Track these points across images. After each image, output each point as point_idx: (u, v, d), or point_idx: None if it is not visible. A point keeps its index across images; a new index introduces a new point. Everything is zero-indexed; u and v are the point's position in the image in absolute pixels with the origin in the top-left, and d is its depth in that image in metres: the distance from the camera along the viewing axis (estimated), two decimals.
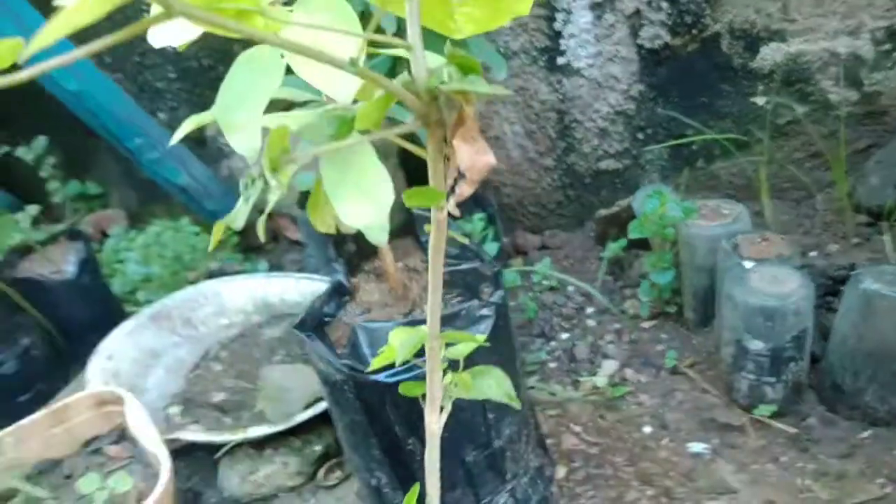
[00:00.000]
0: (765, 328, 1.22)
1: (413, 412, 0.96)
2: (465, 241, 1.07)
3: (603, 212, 1.85)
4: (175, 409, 1.42)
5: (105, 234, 2.41)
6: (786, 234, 1.76)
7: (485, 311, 0.95)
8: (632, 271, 1.80)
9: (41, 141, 2.56)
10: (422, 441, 1.00)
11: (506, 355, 1.00)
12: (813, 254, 1.64)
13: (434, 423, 0.49)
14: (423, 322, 0.94)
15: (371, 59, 1.56)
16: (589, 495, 1.22)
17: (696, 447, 1.31)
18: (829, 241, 1.66)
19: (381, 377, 0.93)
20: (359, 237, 0.91)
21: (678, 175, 1.88)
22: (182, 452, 1.41)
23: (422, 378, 0.94)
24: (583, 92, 1.83)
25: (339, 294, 1.08)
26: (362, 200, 0.92)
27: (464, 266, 1.08)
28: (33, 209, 2.18)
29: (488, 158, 0.38)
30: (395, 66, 1.63)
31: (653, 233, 1.45)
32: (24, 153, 2.54)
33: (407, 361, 0.95)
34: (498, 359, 0.99)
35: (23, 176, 2.73)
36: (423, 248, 1.13)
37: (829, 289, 1.41)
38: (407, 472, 1.02)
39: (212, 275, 2.04)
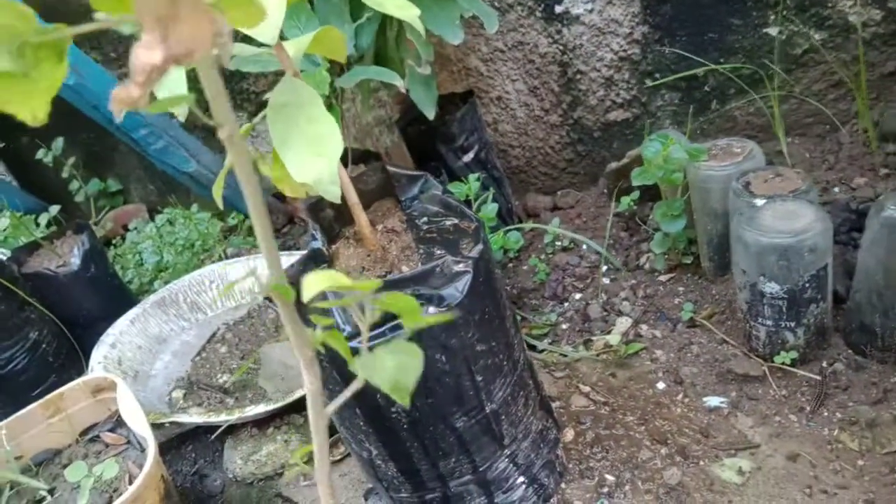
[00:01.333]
0: (779, 268, 1.13)
1: None
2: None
3: (613, 165, 1.76)
4: (178, 393, 1.41)
5: (127, 229, 2.43)
6: (810, 171, 1.64)
7: (461, 267, 0.89)
8: (647, 225, 1.71)
9: (59, 143, 2.60)
10: (405, 411, 0.95)
11: (491, 313, 0.95)
12: (836, 189, 1.52)
13: (309, 382, 0.43)
14: (396, 283, 0.89)
15: (355, 21, 1.50)
16: (598, 457, 1.15)
17: (713, 401, 1.23)
18: (855, 174, 1.54)
19: (354, 343, 0.88)
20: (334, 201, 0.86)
21: (692, 120, 1.78)
22: (188, 436, 1.40)
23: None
24: (584, 40, 1.74)
25: (316, 262, 1.04)
26: (310, 153, 0.85)
27: (445, 223, 1.03)
28: (54, 209, 2.22)
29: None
30: (385, 29, 1.58)
31: (659, 179, 1.37)
32: (44, 155, 2.58)
33: (380, 325, 0.90)
34: (481, 316, 0.93)
35: (46, 179, 2.79)
36: (402, 208, 1.08)
37: (854, 223, 1.31)
38: (395, 440, 0.98)
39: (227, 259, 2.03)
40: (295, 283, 0.93)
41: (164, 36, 0.32)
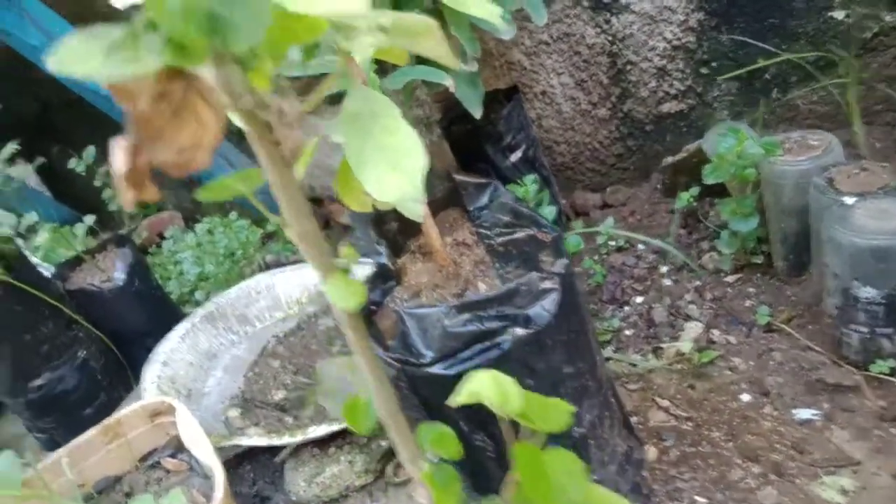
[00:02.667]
0: (877, 272, 1.05)
1: (479, 406, 0.86)
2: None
3: (669, 159, 1.68)
4: (234, 412, 1.36)
5: (163, 237, 2.40)
6: (885, 162, 1.55)
7: (548, 284, 0.83)
8: (707, 222, 1.64)
9: (90, 151, 2.56)
10: (492, 437, 0.90)
11: (576, 331, 0.88)
12: None
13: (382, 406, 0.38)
14: (478, 304, 0.83)
15: None
16: (686, 477, 1.09)
17: (805, 414, 1.15)
18: None
19: (437, 369, 0.82)
20: (400, 213, 0.80)
21: (751, 110, 1.69)
22: (246, 455, 1.36)
23: (483, 367, 0.83)
24: (634, 29, 1.66)
25: (384, 278, 0.98)
26: (390, 169, 0.77)
27: (518, 234, 0.96)
28: (89, 219, 2.18)
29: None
30: None
31: (730, 176, 1.29)
32: (76, 165, 2.55)
33: (465, 349, 0.84)
34: (568, 337, 0.87)
35: (79, 188, 2.76)
36: (471, 219, 1.02)
37: None
38: (479, 469, 0.92)
39: (267, 267, 1.99)
40: (367, 304, 0.87)
41: (147, 137, 0.26)
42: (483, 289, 0.92)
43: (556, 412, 0.41)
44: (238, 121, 0.29)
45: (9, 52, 2.12)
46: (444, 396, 0.85)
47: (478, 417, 0.87)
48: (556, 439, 0.92)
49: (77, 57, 0.23)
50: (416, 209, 0.77)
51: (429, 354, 0.83)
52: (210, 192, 0.33)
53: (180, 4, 0.23)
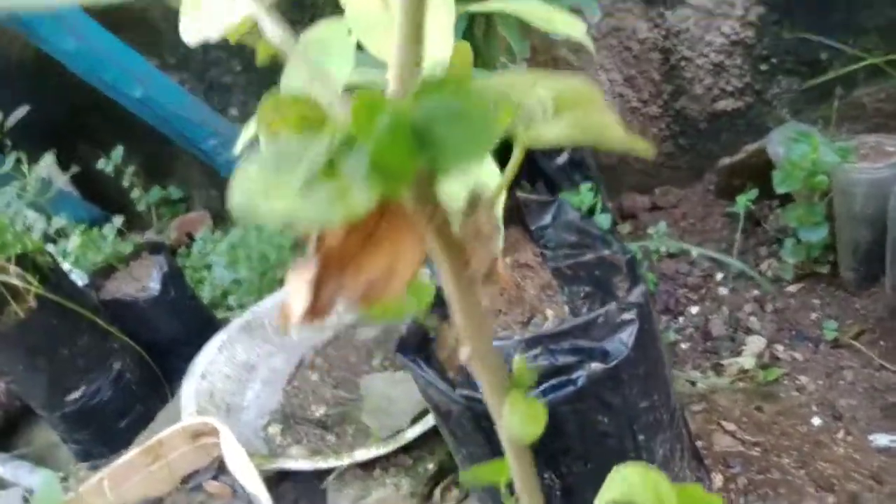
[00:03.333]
0: None
1: (550, 443, 0.80)
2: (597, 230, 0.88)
3: (726, 160, 1.60)
4: (275, 429, 1.32)
5: (191, 238, 2.36)
6: None
7: (626, 316, 0.76)
8: (767, 226, 1.55)
9: (119, 150, 2.54)
10: (561, 476, 0.84)
11: (653, 364, 0.82)
12: None
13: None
14: (551, 337, 0.77)
15: None
16: None
17: (882, 440, 1.08)
18: None
19: None
20: None
21: (812, 109, 1.60)
22: (288, 474, 1.31)
23: (555, 405, 0.77)
24: (690, 24, 1.57)
25: (443, 301, 0.92)
26: (456, 181, 0.70)
27: (587, 256, 0.89)
28: (118, 220, 2.15)
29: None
30: (472, 27, 1.44)
31: (801, 183, 1.21)
32: (104, 164, 2.53)
33: (536, 385, 0.78)
34: (646, 369, 0.81)
35: (107, 188, 2.73)
36: (533, 238, 0.95)
37: None
38: None
39: None
40: (425, 330, 0.80)
41: (335, 268, 0.20)
42: (550, 315, 0.86)
43: None
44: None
45: (39, 54, 2.09)
46: None
47: (546, 455, 0.81)
48: None
49: (265, 192, 0.18)
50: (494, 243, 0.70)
51: None
52: (378, 315, 0.27)
53: (389, 123, 0.17)
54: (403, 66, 0.22)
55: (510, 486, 0.37)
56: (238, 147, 0.78)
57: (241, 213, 0.18)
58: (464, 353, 0.28)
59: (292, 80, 0.59)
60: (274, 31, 0.24)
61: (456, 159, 0.19)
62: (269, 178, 0.18)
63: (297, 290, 0.20)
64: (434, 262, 0.25)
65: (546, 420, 0.79)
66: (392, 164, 0.18)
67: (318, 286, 0.20)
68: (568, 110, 0.29)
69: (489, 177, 0.73)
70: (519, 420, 0.28)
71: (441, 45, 0.57)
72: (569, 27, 0.65)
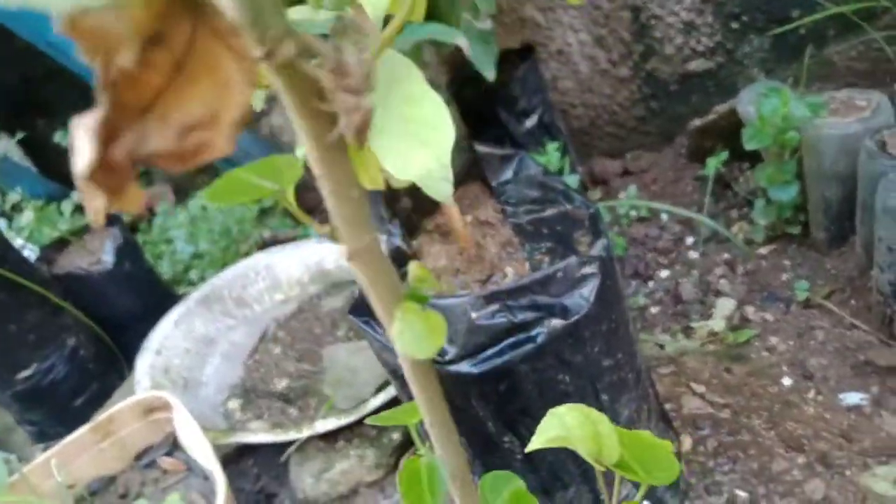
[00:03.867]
0: None
1: (508, 404, 0.77)
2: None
3: (697, 122, 1.57)
4: (235, 403, 1.27)
5: (152, 213, 2.29)
6: None
7: (587, 269, 0.73)
8: (737, 188, 1.53)
9: None
10: (521, 439, 0.80)
11: (616, 320, 0.78)
12: None
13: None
14: (508, 293, 0.73)
15: None
16: (725, 469, 1.00)
17: (852, 398, 1.07)
18: None
19: (463, 367, 0.73)
20: (414, 189, 0.69)
21: (783, 68, 1.57)
22: (249, 449, 1.27)
23: (514, 364, 0.74)
24: None
25: (398, 262, 0.88)
26: (414, 144, 0.65)
27: (549, 211, 0.86)
28: (76, 196, 2.07)
29: None
30: None
31: (772, 140, 1.18)
32: (61, 138, 2.43)
33: (494, 343, 0.75)
34: (608, 326, 0.77)
35: (65, 162, 2.64)
36: (494, 194, 0.91)
37: None
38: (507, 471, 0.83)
39: (265, 244, 1.89)
40: None
41: (132, 110, 0.15)
42: (511, 273, 0.82)
43: (661, 458, 0.31)
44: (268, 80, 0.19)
45: None
46: (470, 397, 0.75)
47: (505, 417, 0.78)
48: None
49: None
50: (444, 189, 0.66)
51: (452, 351, 0.74)
52: (222, 195, 0.22)
53: None
54: None
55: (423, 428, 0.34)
56: None
57: None
58: (343, 253, 0.23)
59: None
60: None
61: None
62: None
63: (81, 140, 0.15)
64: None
65: (505, 381, 0.74)
66: None
67: (110, 134, 0.15)
68: None
69: (442, 128, 0.68)
70: (412, 335, 0.24)
71: None
72: None
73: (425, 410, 0.29)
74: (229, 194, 0.23)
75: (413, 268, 0.27)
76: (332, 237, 0.23)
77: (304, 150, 0.20)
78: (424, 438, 0.33)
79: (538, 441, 0.34)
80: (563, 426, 0.33)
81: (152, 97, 0.15)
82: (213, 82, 0.15)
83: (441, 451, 0.32)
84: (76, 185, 0.16)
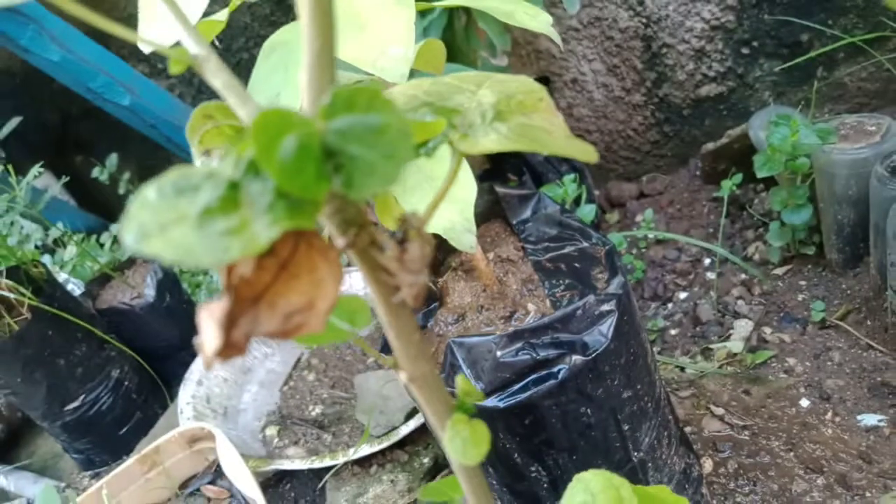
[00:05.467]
0: None
1: (533, 437, 0.81)
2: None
3: (710, 145, 1.61)
4: (272, 430, 1.33)
5: None
6: None
7: (605, 307, 0.78)
8: (752, 210, 1.56)
9: (112, 159, 2.55)
10: (547, 469, 0.85)
11: (635, 353, 0.83)
12: None
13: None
14: (532, 331, 0.78)
15: (423, 17, 1.37)
16: (745, 491, 1.04)
17: (870, 419, 1.09)
18: None
19: (490, 402, 0.78)
20: None
21: (795, 91, 1.60)
22: (287, 474, 1.33)
23: (538, 398, 0.78)
24: (670, 10, 1.57)
25: (426, 300, 0.93)
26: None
27: (567, 249, 0.91)
28: (115, 228, 2.17)
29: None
30: (452, 21, 1.44)
31: (783, 166, 1.22)
32: (99, 173, 2.54)
33: (518, 380, 0.80)
34: (627, 359, 0.82)
35: (103, 196, 2.75)
36: (515, 232, 0.96)
37: None
38: (534, 500, 0.87)
39: None
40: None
41: (247, 302, 0.20)
42: (532, 309, 0.87)
43: None
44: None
45: (26, 66, 2.09)
46: (497, 430, 0.80)
47: (531, 449, 0.83)
48: (614, 467, 0.87)
49: (160, 225, 0.17)
50: (468, 240, 0.72)
51: (479, 386, 0.79)
52: (309, 340, 0.27)
53: (296, 147, 0.17)
54: (314, 80, 0.21)
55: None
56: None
57: (132, 250, 0.17)
58: (402, 377, 0.29)
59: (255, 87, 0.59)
60: (198, 51, 0.24)
61: (372, 179, 0.19)
62: (166, 206, 0.18)
63: (208, 327, 0.20)
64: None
65: (529, 415, 0.79)
66: (300, 192, 0.18)
67: (231, 322, 0.20)
68: (510, 116, 0.29)
69: (465, 186, 0.73)
70: (461, 444, 0.29)
71: (400, 39, 0.58)
72: (530, 19, 0.66)
73: (469, 494, 0.34)
74: (313, 339, 0.28)
75: (460, 383, 0.32)
76: (395, 366, 0.29)
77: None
78: None
79: None
80: (588, 492, 0.37)
81: (262, 290, 0.20)
82: (310, 279, 0.20)
83: None
84: (201, 352, 0.22)
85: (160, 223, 0.17)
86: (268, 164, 0.17)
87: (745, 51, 1.58)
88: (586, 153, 0.25)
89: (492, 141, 0.24)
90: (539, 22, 0.70)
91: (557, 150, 0.28)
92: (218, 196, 0.18)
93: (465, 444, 0.28)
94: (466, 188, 0.66)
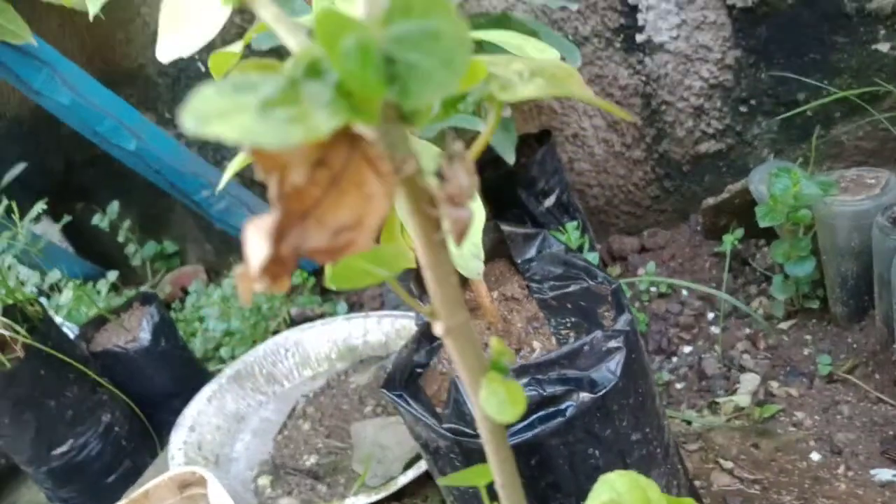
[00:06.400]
0: None
1: (540, 479, 0.79)
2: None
3: (711, 200, 1.62)
4: (265, 480, 1.29)
5: (186, 292, 2.36)
6: None
7: (613, 343, 0.76)
8: (755, 264, 1.56)
9: (114, 206, 2.56)
10: None
11: (644, 393, 0.81)
12: None
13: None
14: (538, 367, 0.77)
15: None
16: None
17: (884, 474, 1.06)
18: None
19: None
20: None
21: (793, 148, 1.63)
22: None
23: (544, 437, 0.76)
24: (669, 69, 1.62)
25: (430, 338, 0.92)
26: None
27: (573, 287, 0.90)
28: (112, 275, 2.16)
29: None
30: None
31: (784, 218, 1.22)
32: (99, 220, 2.55)
33: (524, 417, 0.77)
34: (636, 399, 0.80)
35: (102, 243, 2.75)
36: (519, 272, 0.96)
37: None
38: None
39: (293, 321, 1.94)
40: (412, 367, 0.79)
41: (298, 215, 0.21)
42: (538, 348, 0.85)
43: None
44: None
45: (36, 111, 2.13)
46: None
47: (537, 492, 0.79)
48: None
49: (221, 113, 0.17)
50: (476, 267, 0.71)
51: None
52: (343, 280, 0.27)
53: (357, 44, 0.17)
54: None
55: (491, 491, 0.37)
56: (222, 184, 0.78)
57: (193, 132, 0.17)
58: (438, 328, 0.27)
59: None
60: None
61: (428, 87, 0.19)
62: (226, 98, 0.18)
63: (255, 240, 0.20)
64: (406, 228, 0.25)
65: (536, 455, 0.77)
66: (360, 87, 0.18)
67: (280, 235, 0.20)
68: (551, 81, 0.30)
69: (475, 211, 0.73)
70: (497, 403, 0.27)
71: None
72: (540, 53, 0.68)
73: (497, 471, 0.33)
74: (347, 280, 0.27)
75: (494, 343, 0.31)
76: (432, 315, 0.28)
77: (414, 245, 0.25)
78: (492, 498, 0.37)
79: None
80: (615, 490, 0.35)
81: (312, 205, 0.20)
82: (360, 195, 0.20)
83: None
84: (238, 276, 0.21)
85: (220, 110, 0.17)
86: (331, 54, 0.18)
87: (743, 109, 1.62)
88: (621, 112, 0.25)
89: (530, 90, 0.24)
90: (548, 58, 0.71)
91: (593, 102, 0.28)
92: (279, 89, 0.18)
93: (500, 402, 0.27)
94: (475, 214, 0.66)
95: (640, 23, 1.58)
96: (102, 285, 2.16)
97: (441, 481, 0.46)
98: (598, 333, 0.76)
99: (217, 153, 2.19)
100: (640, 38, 1.61)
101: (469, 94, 0.27)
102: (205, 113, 0.17)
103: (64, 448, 1.37)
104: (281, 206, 0.19)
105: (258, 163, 0.19)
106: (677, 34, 1.57)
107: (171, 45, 0.39)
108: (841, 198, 1.22)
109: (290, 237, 0.19)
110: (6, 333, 1.22)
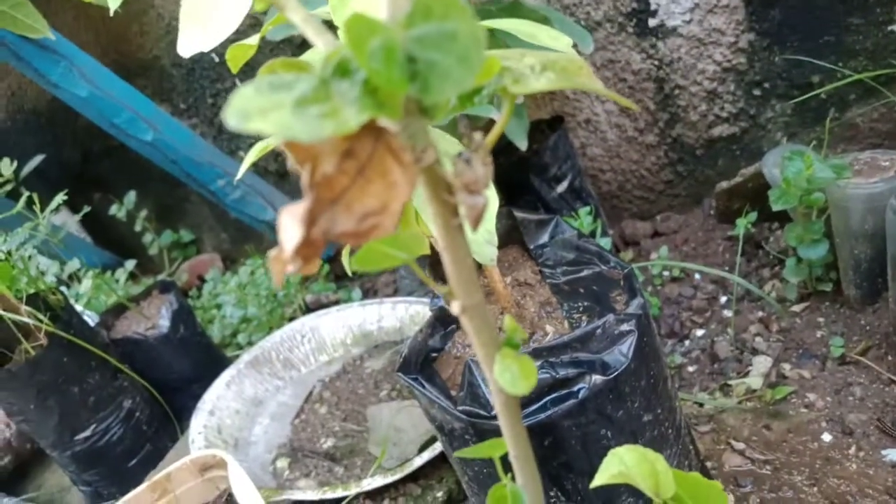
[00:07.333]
0: None
1: (553, 459, 0.80)
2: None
3: (724, 184, 1.62)
4: (283, 462, 1.32)
5: (202, 280, 2.39)
6: None
7: (625, 327, 0.77)
8: (768, 248, 1.56)
9: (131, 196, 2.60)
10: (566, 494, 0.83)
11: (656, 376, 0.82)
12: None
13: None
14: (551, 350, 0.78)
15: None
16: None
17: (895, 454, 1.07)
18: None
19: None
20: None
21: (807, 131, 1.62)
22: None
23: (557, 418, 0.78)
24: (682, 53, 1.61)
25: (444, 323, 0.93)
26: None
27: (585, 272, 0.91)
28: (130, 264, 2.19)
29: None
30: None
31: (797, 201, 1.22)
32: (117, 210, 2.58)
33: (537, 399, 0.79)
34: (647, 381, 0.81)
35: (119, 233, 2.78)
36: (532, 257, 0.97)
37: None
38: None
39: (308, 308, 1.96)
40: (427, 351, 0.81)
41: (327, 202, 0.21)
42: (551, 332, 0.87)
43: (713, 495, 0.36)
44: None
45: (52, 103, 2.16)
46: None
47: (550, 472, 0.81)
48: (634, 497, 0.85)
49: (260, 110, 0.19)
50: (490, 252, 0.72)
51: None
52: (367, 261, 0.28)
53: (382, 45, 0.19)
54: None
55: (505, 462, 0.38)
56: (240, 174, 0.80)
57: (235, 128, 0.19)
58: (455, 307, 0.29)
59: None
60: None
61: (447, 83, 0.20)
62: (264, 97, 0.20)
63: (289, 225, 0.22)
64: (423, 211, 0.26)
65: (549, 436, 0.78)
66: (385, 84, 0.20)
67: (311, 220, 0.21)
68: (562, 74, 0.31)
69: (490, 198, 0.75)
70: (510, 376, 0.29)
71: None
72: (554, 41, 0.68)
73: (512, 444, 0.34)
74: (369, 262, 0.29)
75: (508, 321, 0.33)
76: (449, 295, 0.29)
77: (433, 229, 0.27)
78: (507, 470, 0.38)
79: (601, 478, 0.38)
80: (623, 463, 0.37)
81: (341, 192, 0.21)
82: (384, 183, 0.22)
83: (522, 480, 0.36)
84: (267, 258, 0.22)
85: (260, 108, 0.19)
86: (359, 55, 0.19)
87: (756, 92, 1.61)
88: (625, 101, 0.26)
89: (542, 84, 0.26)
90: (561, 45, 0.72)
91: (603, 93, 0.30)
92: (311, 88, 0.20)
93: (513, 376, 0.29)
94: (490, 201, 0.67)
95: (653, 7, 1.58)
96: (121, 274, 2.19)
97: (458, 453, 0.48)
98: (611, 317, 0.78)
99: (231, 143, 2.21)
100: (652, 22, 1.60)
101: (484, 87, 0.28)
102: (246, 110, 0.19)
103: (87, 433, 1.40)
104: (313, 193, 0.21)
105: (293, 154, 0.21)
106: (690, 18, 1.57)
107: (193, 39, 0.40)
108: (855, 180, 1.22)
109: (321, 222, 0.21)
110: (30, 322, 1.25)
